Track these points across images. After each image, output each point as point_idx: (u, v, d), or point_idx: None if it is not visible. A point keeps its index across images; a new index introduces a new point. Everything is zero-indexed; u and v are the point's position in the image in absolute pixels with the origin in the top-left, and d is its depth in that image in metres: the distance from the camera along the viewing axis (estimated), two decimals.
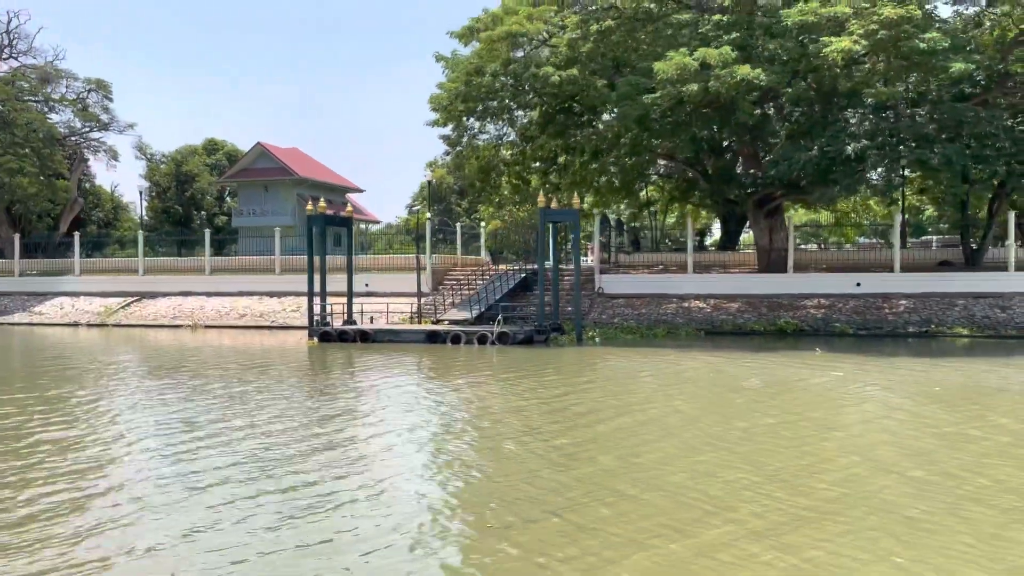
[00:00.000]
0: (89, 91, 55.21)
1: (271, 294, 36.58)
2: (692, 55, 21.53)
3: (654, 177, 39.60)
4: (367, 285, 35.54)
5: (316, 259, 28.39)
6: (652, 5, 22.76)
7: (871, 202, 47.26)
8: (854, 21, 20.43)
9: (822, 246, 47.88)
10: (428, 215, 34.52)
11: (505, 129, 32.58)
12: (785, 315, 28.38)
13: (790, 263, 30.57)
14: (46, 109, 48.43)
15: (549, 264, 26.87)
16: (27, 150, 43.91)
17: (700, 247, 42.90)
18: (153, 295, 37.99)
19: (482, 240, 41.06)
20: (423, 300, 33.56)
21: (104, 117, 56.51)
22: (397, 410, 14.15)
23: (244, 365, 20.67)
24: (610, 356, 22.06)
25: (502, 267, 35.18)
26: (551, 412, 13.68)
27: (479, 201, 36.86)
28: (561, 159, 30.67)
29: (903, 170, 28.08)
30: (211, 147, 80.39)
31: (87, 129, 56.86)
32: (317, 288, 28.08)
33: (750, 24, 22.37)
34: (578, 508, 8.24)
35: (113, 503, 8.60)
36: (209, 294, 37.29)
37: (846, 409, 14.06)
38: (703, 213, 41.88)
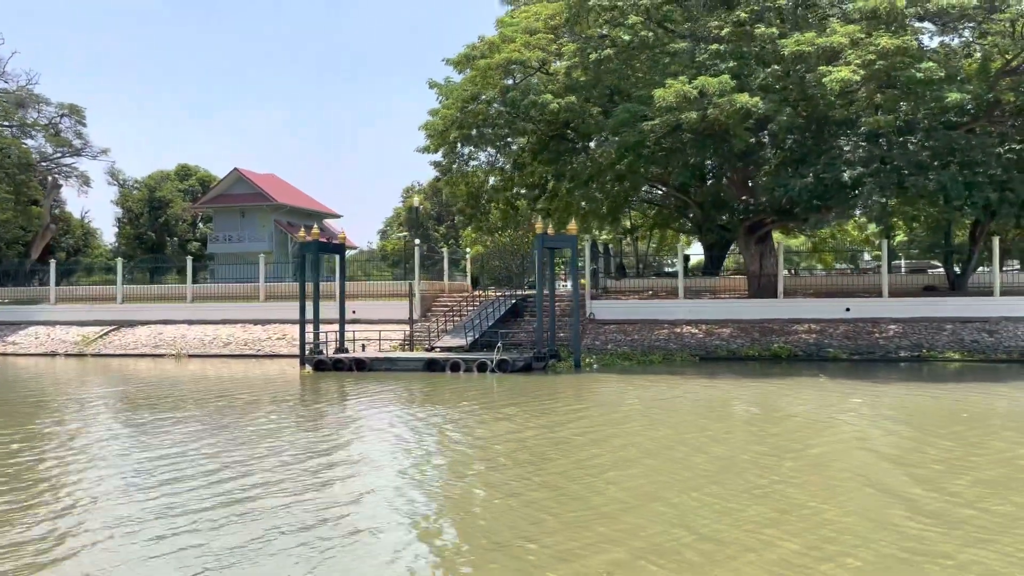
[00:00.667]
0: (62, 116, 54.29)
1: (255, 322, 35.88)
2: (691, 83, 21.68)
3: (637, 203, 39.77)
4: (354, 312, 34.99)
5: (308, 286, 27.82)
6: (649, 34, 22.90)
7: (848, 227, 48.01)
8: (850, 51, 20.75)
9: (793, 272, 48.49)
10: (417, 240, 34.23)
11: (496, 156, 32.57)
12: (777, 340, 28.47)
13: (780, 288, 30.76)
14: (19, 134, 47.38)
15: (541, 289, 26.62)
16: (1, 176, 42.96)
17: (684, 273, 43.08)
18: (132, 323, 37.06)
19: (468, 266, 40.79)
20: (406, 327, 33.24)
21: (77, 142, 55.57)
22: (404, 445, 13.77)
23: (234, 396, 20.08)
24: (609, 383, 21.86)
25: (491, 293, 34.95)
26: (558, 443, 13.38)
27: (468, 227, 36.63)
28: (550, 185, 30.68)
29: (888, 197, 28.50)
30: (184, 172, 79.37)
31: (59, 155, 55.87)
32: (308, 315, 27.52)
33: (743, 54, 22.61)
34: (611, 546, 7.96)
35: (89, 549, 8.12)
36: (191, 322, 36.49)
37: (854, 435, 13.92)
38: (683, 238, 42.12)
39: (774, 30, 22.18)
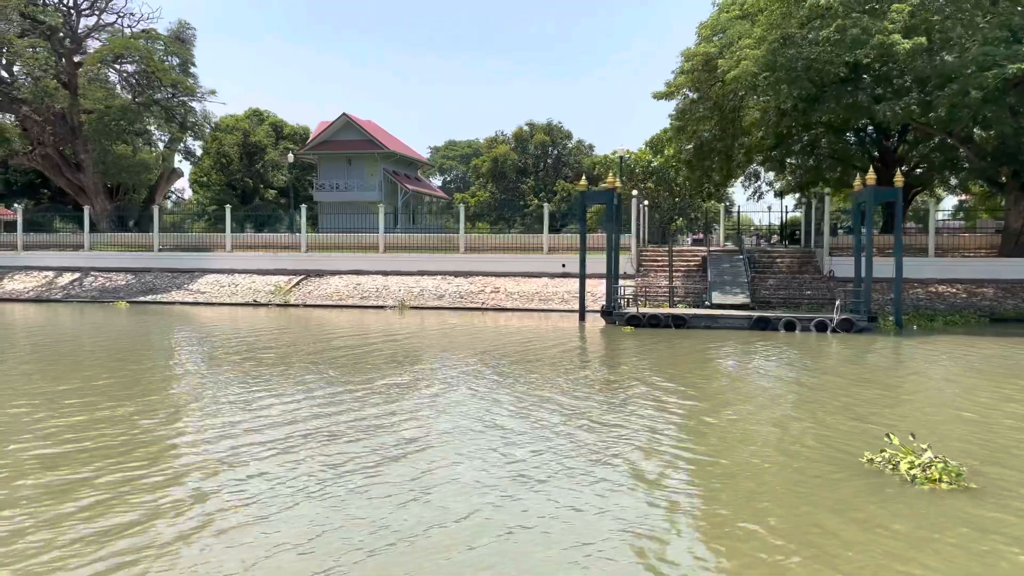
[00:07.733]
0: (170, 55, 51.88)
1: (455, 274, 34.34)
2: None
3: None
4: (564, 266, 33.67)
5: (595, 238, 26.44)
6: None
7: None
8: None
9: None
10: (635, 192, 32.63)
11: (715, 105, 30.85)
12: None
13: None
14: (181, 73, 45.01)
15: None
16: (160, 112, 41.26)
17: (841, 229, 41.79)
18: (320, 273, 35.41)
19: (645, 220, 39.23)
20: (631, 282, 31.91)
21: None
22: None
23: (608, 364, 18.72)
24: (964, 345, 20.65)
25: (713, 249, 33.63)
26: None
27: (692, 180, 35.01)
28: (801, 135, 29.15)
29: None
30: (256, 117, 76.71)
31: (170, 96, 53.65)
32: (593, 270, 26.69)
33: None
34: None
35: None
36: (385, 273, 34.89)
37: None
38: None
39: None
